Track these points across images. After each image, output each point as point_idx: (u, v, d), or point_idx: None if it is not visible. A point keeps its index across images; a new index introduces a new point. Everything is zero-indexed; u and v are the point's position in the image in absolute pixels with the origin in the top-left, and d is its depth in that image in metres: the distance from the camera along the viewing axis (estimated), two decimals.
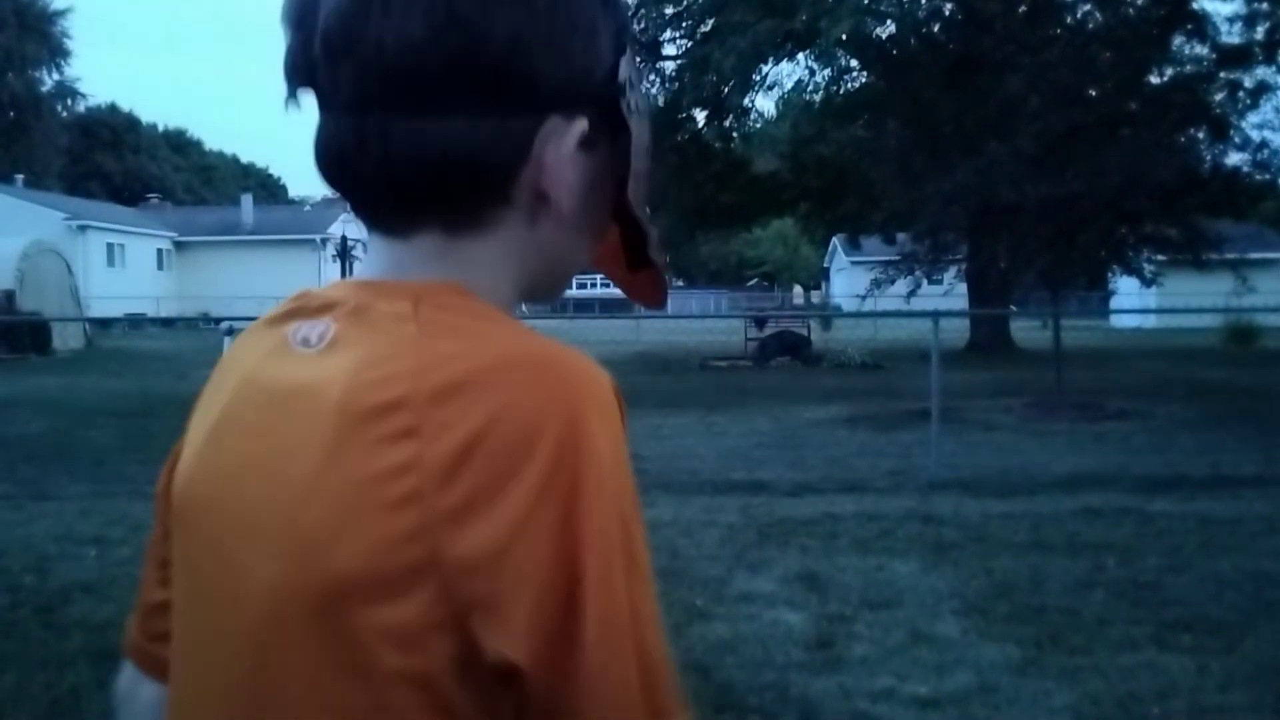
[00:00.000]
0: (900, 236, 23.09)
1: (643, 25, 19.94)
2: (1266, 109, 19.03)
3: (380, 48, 0.62)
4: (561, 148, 0.65)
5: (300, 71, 0.66)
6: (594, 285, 56.49)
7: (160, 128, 68.03)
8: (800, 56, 19.72)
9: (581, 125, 0.66)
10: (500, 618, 0.55)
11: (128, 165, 60.43)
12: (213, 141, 76.59)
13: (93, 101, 56.88)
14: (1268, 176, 19.80)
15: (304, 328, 0.67)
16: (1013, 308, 23.04)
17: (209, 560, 0.66)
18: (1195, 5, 18.18)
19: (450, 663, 0.56)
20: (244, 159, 77.81)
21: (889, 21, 17.22)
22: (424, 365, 0.59)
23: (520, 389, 0.57)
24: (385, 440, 0.57)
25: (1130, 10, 18.68)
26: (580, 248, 0.73)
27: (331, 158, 0.67)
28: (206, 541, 0.67)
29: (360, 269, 0.73)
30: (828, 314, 37.14)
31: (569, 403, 0.57)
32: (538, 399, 0.57)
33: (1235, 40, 18.73)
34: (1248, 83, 18.91)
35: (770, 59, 18.80)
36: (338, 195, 0.70)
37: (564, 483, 0.55)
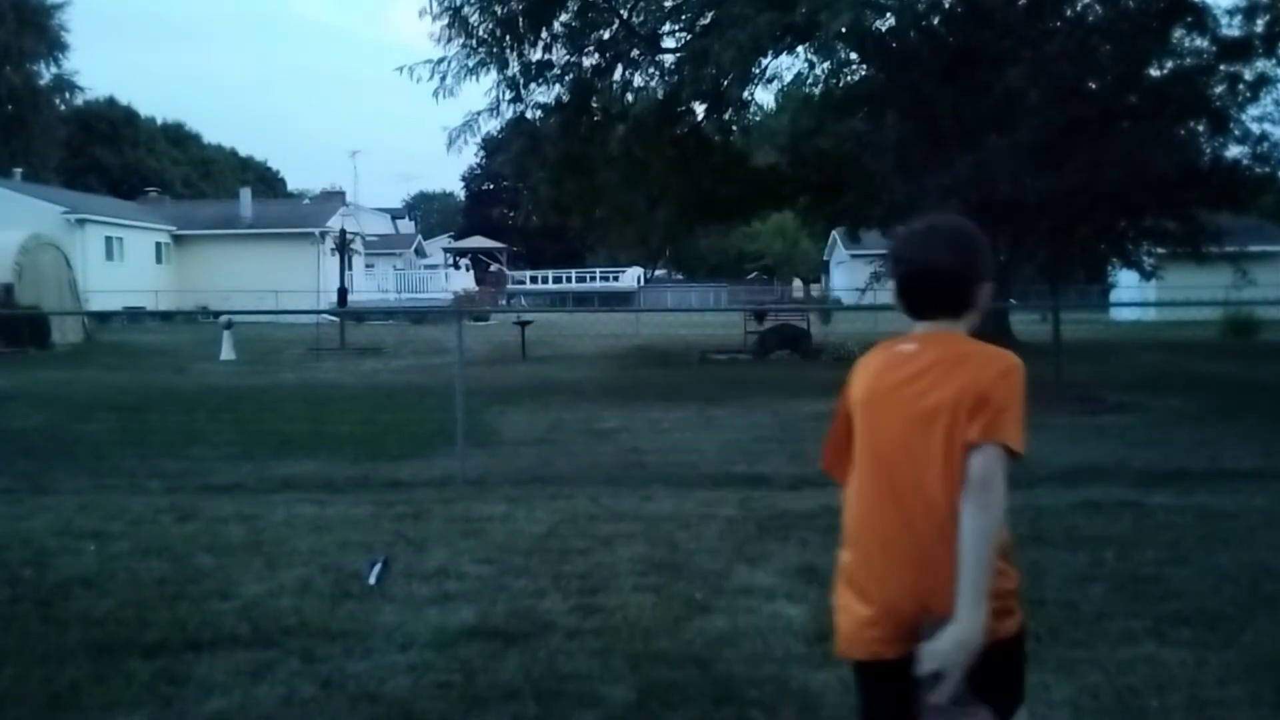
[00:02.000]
0: (900, 230, 23.05)
1: (641, 18, 19.90)
2: (1266, 102, 18.93)
3: (943, 262, 2.02)
4: (987, 293, 2.03)
5: (926, 273, 2.05)
6: (593, 279, 56.48)
7: (159, 121, 67.84)
8: (800, 49, 19.64)
9: (990, 286, 2.06)
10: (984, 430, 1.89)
11: (126, 159, 60.34)
12: (211, 135, 76.17)
13: (91, 95, 56.87)
14: (1268, 169, 19.73)
15: (901, 347, 2.02)
16: (1012, 301, 23.01)
17: (883, 417, 1.98)
18: None
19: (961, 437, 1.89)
20: (243, 152, 77.56)
21: (888, 14, 17.16)
22: (968, 351, 1.95)
23: (996, 360, 1.92)
24: (979, 367, 1.91)
25: (1130, 3, 18.60)
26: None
27: (918, 287, 2.04)
28: (884, 410, 1.98)
29: (919, 329, 2.02)
30: (827, 307, 37.10)
31: (1009, 363, 1.91)
32: (1002, 364, 1.91)
33: (1235, 33, 18.65)
34: (1248, 75, 18.81)
35: (769, 52, 18.72)
36: (907, 305, 2.08)
37: (1004, 380, 1.90)
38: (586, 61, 20.94)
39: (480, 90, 23.11)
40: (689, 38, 19.51)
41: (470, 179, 74.29)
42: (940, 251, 2.01)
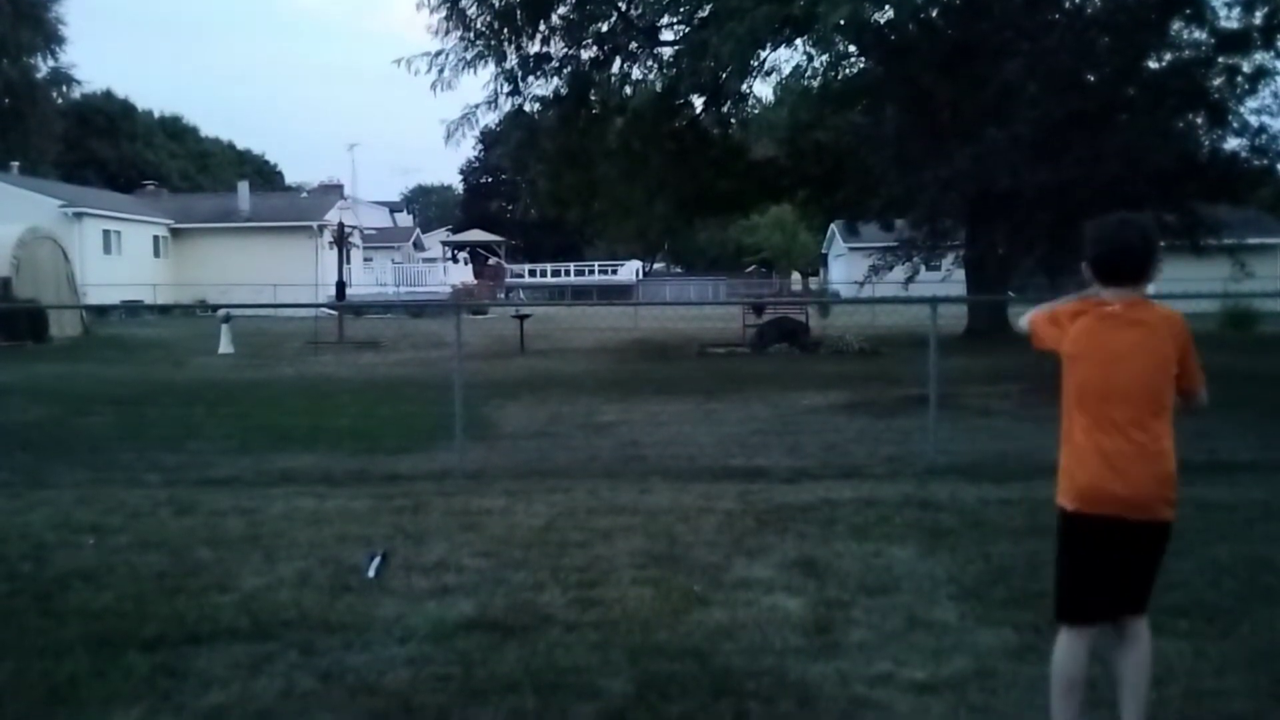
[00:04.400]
0: (898, 223, 23.05)
1: (640, 10, 19.87)
2: (1265, 94, 18.93)
3: (1136, 243, 3.01)
4: (1159, 268, 3.04)
5: (1123, 250, 3.01)
6: (591, 272, 56.48)
7: (156, 114, 67.69)
8: (798, 42, 19.61)
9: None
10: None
11: (123, 152, 60.23)
12: (209, 128, 76.16)
13: (88, 88, 56.74)
14: (1265, 162, 19.70)
15: (1111, 309, 2.98)
16: (1010, 293, 23.03)
17: (1110, 352, 3.01)
18: None
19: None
20: (240, 145, 77.42)
21: (887, 6, 17.12)
22: (1163, 313, 3.00)
23: (1174, 317, 3.01)
24: (1172, 326, 3.00)
25: None
26: None
27: (1114, 262, 2.99)
28: (1108, 349, 3.00)
29: (1116, 293, 2.99)
30: (826, 300, 37.12)
31: (1178, 318, 3.00)
32: (1177, 316, 3.01)
33: (1234, 25, 18.62)
34: (1246, 68, 18.80)
35: (768, 44, 18.69)
36: (1104, 275, 3.06)
37: (1188, 334, 2.98)
38: (585, 54, 20.91)
39: (478, 83, 23.04)
40: (687, 30, 19.47)
41: (468, 172, 74.27)
42: (1132, 235, 2.97)
